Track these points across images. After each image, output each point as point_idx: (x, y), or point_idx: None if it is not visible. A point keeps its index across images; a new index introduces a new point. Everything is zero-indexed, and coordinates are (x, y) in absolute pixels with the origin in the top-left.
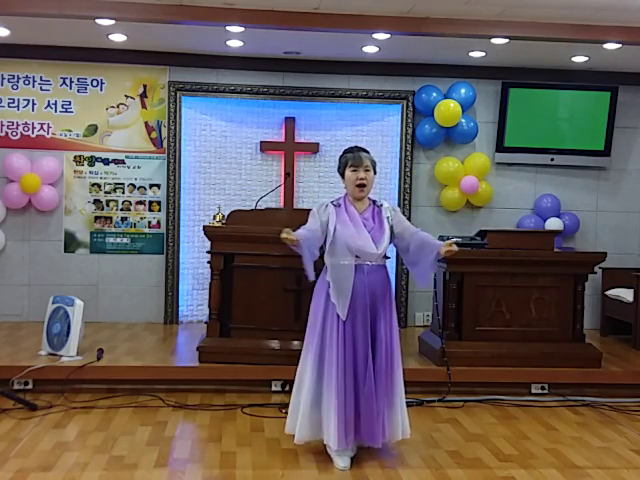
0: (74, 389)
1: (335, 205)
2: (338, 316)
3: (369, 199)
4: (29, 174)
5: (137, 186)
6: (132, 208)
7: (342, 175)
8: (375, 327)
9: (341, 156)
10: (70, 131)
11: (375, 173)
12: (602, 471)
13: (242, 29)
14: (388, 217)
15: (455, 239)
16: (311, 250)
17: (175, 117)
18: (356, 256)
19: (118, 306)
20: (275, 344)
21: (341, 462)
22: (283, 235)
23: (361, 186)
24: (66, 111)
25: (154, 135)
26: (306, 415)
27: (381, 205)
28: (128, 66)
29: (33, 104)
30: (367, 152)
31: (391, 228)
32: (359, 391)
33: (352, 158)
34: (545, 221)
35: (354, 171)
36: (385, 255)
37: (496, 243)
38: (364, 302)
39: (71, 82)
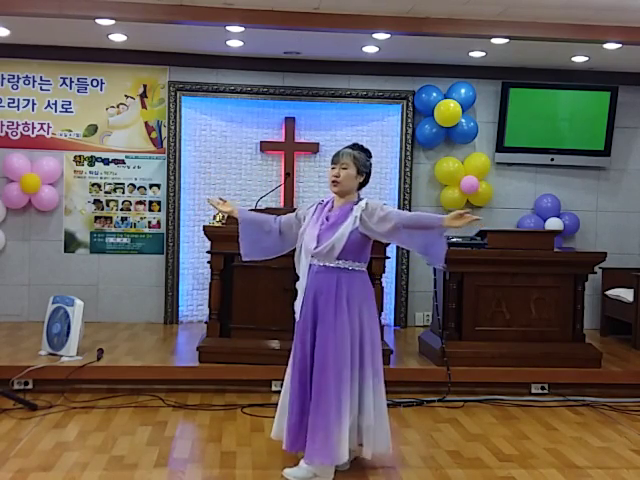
0: (74, 389)
1: (320, 203)
2: (296, 318)
3: (358, 196)
4: (29, 174)
5: (137, 186)
6: (132, 208)
7: None
8: (315, 333)
9: None
10: (70, 131)
11: (361, 172)
12: (602, 471)
13: (242, 29)
14: (356, 216)
15: (455, 239)
16: (248, 233)
17: (175, 117)
18: (312, 255)
19: (118, 306)
20: (275, 344)
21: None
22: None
23: (333, 182)
24: (66, 111)
25: (154, 135)
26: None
27: (357, 202)
28: (128, 66)
29: (33, 104)
30: (358, 147)
31: (362, 229)
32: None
33: (334, 155)
34: (545, 221)
35: (332, 168)
36: (357, 258)
37: (496, 243)
38: (308, 304)
39: (71, 82)
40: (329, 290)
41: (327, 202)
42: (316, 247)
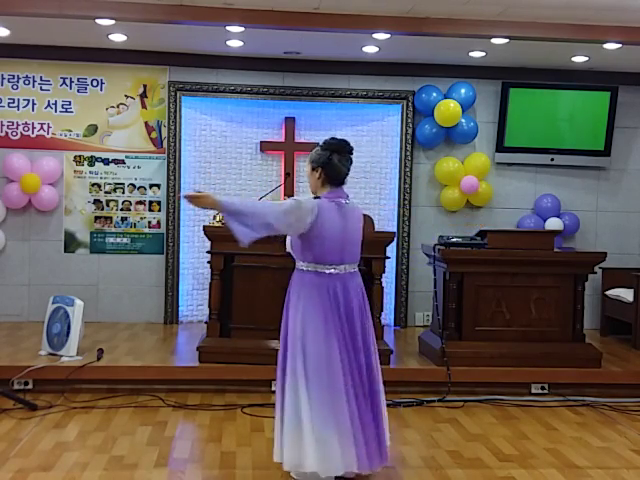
0: (74, 389)
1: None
2: None
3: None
4: (29, 174)
5: (137, 186)
6: (132, 208)
7: None
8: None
9: None
10: (70, 131)
11: (313, 168)
12: (602, 471)
13: (242, 29)
14: None
15: (455, 239)
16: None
17: (175, 117)
18: None
19: (118, 306)
20: (275, 344)
21: None
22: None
23: None
24: (66, 111)
25: (154, 135)
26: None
27: None
28: (128, 66)
29: (33, 104)
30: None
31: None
32: None
33: None
34: (545, 221)
35: None
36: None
37: (496, 243)
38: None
39: (71, 82)
40: (288, 291)
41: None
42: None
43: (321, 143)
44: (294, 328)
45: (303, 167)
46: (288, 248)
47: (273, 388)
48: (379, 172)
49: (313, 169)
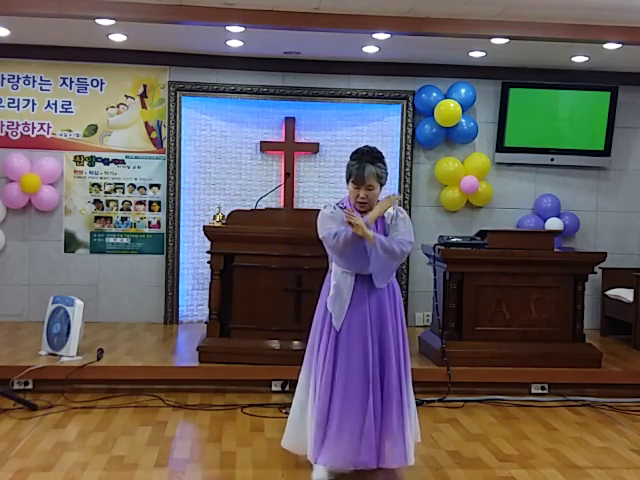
0: (74, 389)
1: (342, 208)
2: (335, 328)
3: (377, 201)
4: (29, 174)
5: (137, 186)
6: (132, 208)
7: (347, 181)
8: (382, 339)
9: (349, 161)
10: (70, 131)
11: (383, 185)
12: (602, 471)
13: (242, 29)
14: (388, 224)
15: (455, 239)
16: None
17: (175, 117)
18: None
19: (118, 306)
20: (275, 344)
21: (315, 474)
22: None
23: (361, 204)
24: (66, 111)
25: (154, 135)
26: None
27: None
28: (128, 66)
29: (33, 104)
30: (377, 159)
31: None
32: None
33: (355, 173)
34: (545, 221)
35: (356, 188)
36: None
37: (496, 243)
38: (364, 313)
39: (71, 82)
40: (381, 296)
41: (345, 206)
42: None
43: (381, 158)
44: None
45: (303, 167)
46: None
47: (273, 388)
48: None
49: (381, 186)
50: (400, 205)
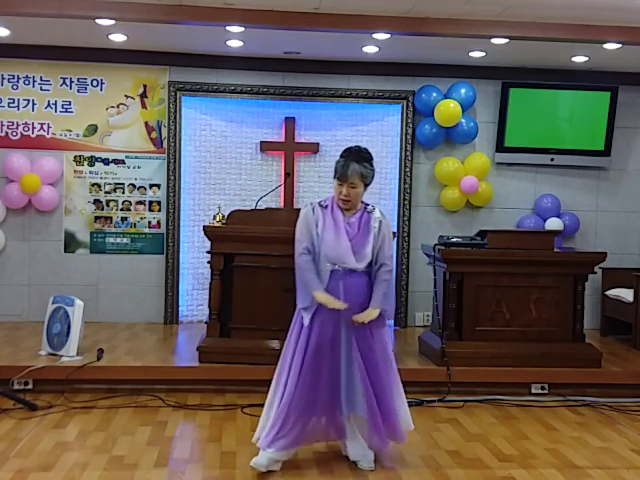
0: (74, 389)
1: (322, 206)
2: (304, 323)
3: (362, 202)
4: (29, 174)
5: (137, 186)
6: (132, 208)
7: (334, 177)
8: (352, 337)
9: (339, 158)
10: (70, 131)
11: (368, 184)
12: (602, 471)
13: (242, 29)
14: (375, 227)
15: (455, 239)
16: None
17: (175, 117)
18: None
19: (118, 306)
20: (275, 344)
21: (257, 459)
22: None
23: (344, 202)
24: (66, 111)
25: (154, 135)
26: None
27: (371, 211)
28: (128, 66)
29: (33, 104)
30: (363, 159)
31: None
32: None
33: (339, 170)
34: (545, 221)
35: (339, 184)
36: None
37: (496, 243)
38: (336, 310)
39: (71, 82)
40: (361, 294)
41: (330, 205)
42: (357, 260)
43: (368, 158)
44: None
45: (303, 167)
46: (364, 263)
47: None
48: (379, 172)
49: (366, 185)
50: (400, 205)
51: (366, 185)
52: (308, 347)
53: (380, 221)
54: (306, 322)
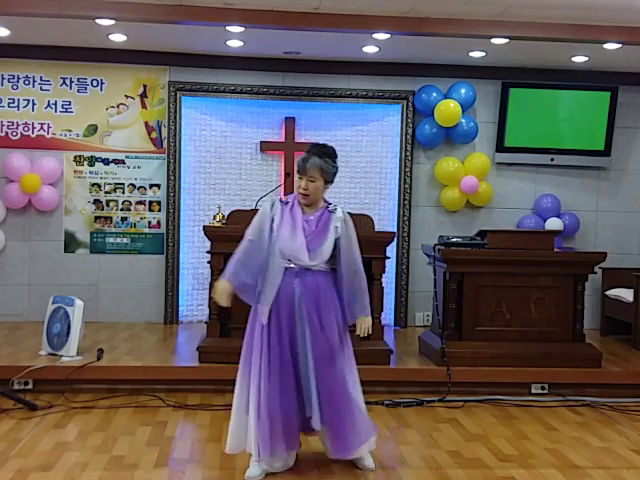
0: (74, 389)
1: (283, 203)
2: (263, 322)
3: (325, 201)
4: (29, 174)
5: (137, 186)
6: (132, 208)
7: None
8: (305, 335)
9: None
10: (70, 131)
11: (329, 181)
12: (602, 471)
13: (242, 29)
14: (337, 227)
15: (455, 239)
16: (248, 278)
17: (175, 117)
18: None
19: (118, 306)
20: None
21: (249, 472)
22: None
23: (302, 196)
24: (66, 111)
25: (154, 135)
26: (234, 423)
27: (333, 211)
28: (128, 66)
29: (33, 104)
30: (326, 154)
31: (336, 240)
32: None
33: (300, 164)
34: (545, 221)
35: (299, 178)
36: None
37: (496, 243)
38: (290, 307)
39: (71, 82)
40: (315, 293)
41: (291, 203)
42: (310, 258)
43: (330, 154)
44: (344, 323)
45: None
46: (326, 259)
47: None
48: (379, 172)
49: (326, 182)
50: (400, 205)
51: (327, 181)
52: (270, 348)
53: (343, 221)
54: (264, 320)
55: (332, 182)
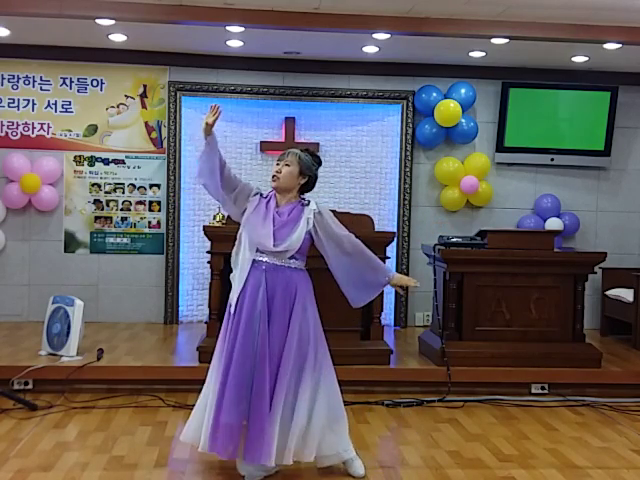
0: (74, 389)
1: (262, 196)
2: (230, 312)
3: (299, 197)
4: (29, 174)
5: (137, 186)
6: (132, 208)
7: None
8: (261, 332)
9: None
10: (70, 131)
11: (304, 173)
12: (602, 471)
13: (242, 29)
14: (309, 218)
15: (455, 239)
16: (211, 158)
17: (175, 117)
18: (259, 251)
19: (118, 306)
20: None
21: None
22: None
23: (273, 177)
24: (66, 111)
25: (154, 135)
26: (195, 414)
27: (307, 204)
28: (128, 66)
29: (33, 104)
30: (310, 153)
31: (313, 232)
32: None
33: (281, 154)
34: (545, 221)
35: (277, 164)
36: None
37: (496, 243)
38: (254, 302)
39: (71, 82)
40: (284, 290)
41: (268, 197)
42: (275, 245)
43: (315, 156)
44: (319, 324)
45: None
46: (293, 251)
47: None
48: (379, 172)
49: (301, 173)
50: (400, 205)
51: (303, 173)
52: (226, 342)
53: (318, 212)
54: (232, 309)
55: (310, 177)
